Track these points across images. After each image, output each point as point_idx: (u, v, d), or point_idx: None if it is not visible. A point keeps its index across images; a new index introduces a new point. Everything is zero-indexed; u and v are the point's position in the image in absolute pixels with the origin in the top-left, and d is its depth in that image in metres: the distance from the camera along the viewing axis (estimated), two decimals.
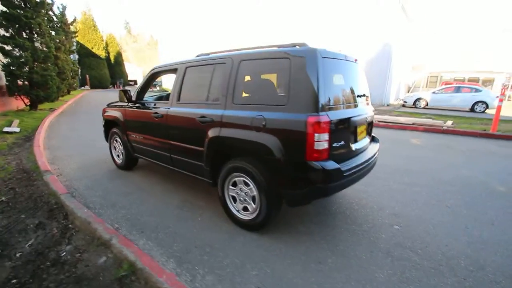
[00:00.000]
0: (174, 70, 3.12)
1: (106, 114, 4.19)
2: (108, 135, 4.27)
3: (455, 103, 13.42)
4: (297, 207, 2.85)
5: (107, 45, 28.57)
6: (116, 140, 4.10)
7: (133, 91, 3.68)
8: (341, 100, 2.22)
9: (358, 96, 2.52)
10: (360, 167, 2.26)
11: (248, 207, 2.40)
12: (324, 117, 1.92)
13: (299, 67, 1.99)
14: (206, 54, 2.92)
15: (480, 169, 4.32)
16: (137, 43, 78.71)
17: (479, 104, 12.72)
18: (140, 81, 3.71)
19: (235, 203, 2.52)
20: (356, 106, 2.44)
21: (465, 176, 4.01)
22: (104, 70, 26.54)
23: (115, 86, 30.26)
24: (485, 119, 9.61)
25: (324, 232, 2.46)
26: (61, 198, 2.84)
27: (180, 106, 2.86)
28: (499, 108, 6.97)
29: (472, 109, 12.89)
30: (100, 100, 13.76)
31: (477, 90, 13.03)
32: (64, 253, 2.07)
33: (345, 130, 2.19)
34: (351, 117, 2.24)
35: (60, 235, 2.32)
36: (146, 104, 3.43)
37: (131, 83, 40.57)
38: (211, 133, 2.47)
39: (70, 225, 2.47)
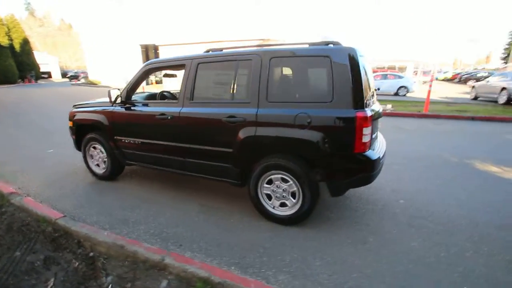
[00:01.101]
0: (178, 66, 2.87)
1: (77, 117, 3.57)
2: (80, 142, 3.66)
3: (383, 88, 15.56)
4: (338, 196, 2.95)
5: (9, 30, 23.28)
6: (95, 147, 3.56)
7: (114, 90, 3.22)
8: (370, 95, 2.43)
9: (373, 90, 2.78)
10: (384, 155, 2.55)
11: (287, 202, 2.47)
12: (369, 112, 2.10)
13: (342, 65, 2.10)
14: (218, 49, 2.76)
15: (431, 145, 5.25)
16: (44, 27, 66.17)
17: (402, 88, 15.06)
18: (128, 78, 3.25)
19: (270, 201, 2.55)
20: (375, 100, 2.70)
21: (425, 152, 4.82)
22: (9, 61, 21.75)
23: (26, 80, 25.17)
24: (414, 102, 11.45)
25: (351, 215, 2.71)
26: (61, 224, 2.38)
27: (196, 106, 2.67)
28: (429, 92, 8.45)
29: (396, 93, 15.17)
30: (15, 100, 11.35)
31: (399, 77, 15.38)
32: (110, 285, 1.80)
33: (375, 123, 2.42)
34: (378, 110, 2.49)
35: (86, 267, 1.98)
36: (142, 105, 3.06)
37: (44, 75, 34.26)
38: (244, 133, 2.41)
39: (92, 253, 2.12)
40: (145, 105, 3.08)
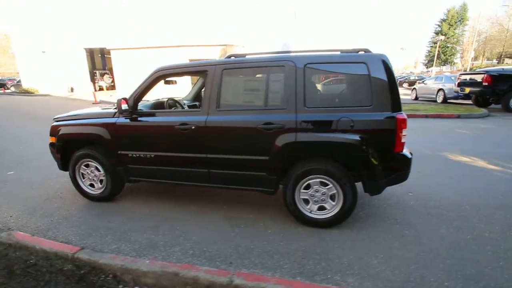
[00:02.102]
0: (196, 73, 2.69)
1: (63, 132, 3.07)
2: (66, 161, 3.15)
3: None
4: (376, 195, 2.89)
5: None
6: (87, 165, 3.10)
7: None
8: None
9: None
10: None
11: (326, 205, 2.50)
12: (404, 114, 2.26)
13: (378, 71, 2.23)
14: (241, 55, 2.67)
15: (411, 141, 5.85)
16: None
17: None
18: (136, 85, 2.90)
19: (307, 206, 2.55)
20: None
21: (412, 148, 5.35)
22: None
23: None
24: None
25: (376, 212, 2.87)
26: (84, 258, 2.01)
27: (224, 114, 2.54)
28: None
29: None
30: None
31: None
32: None
33: None
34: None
35: None
36: (153, 115, 2.78)
37: None
38: (283, 139, 2.37)
39: (138, 287, 1.84)
40: (156, 115, 2.81)
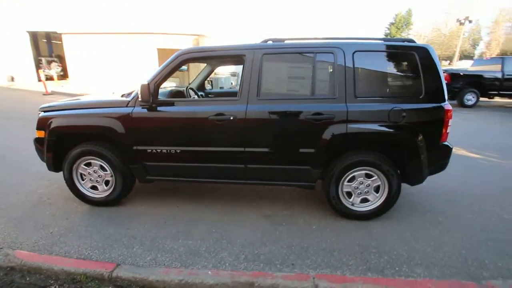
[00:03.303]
0: (229, 58, 2.42)
1: (58, 125, 2.53)
2: (59, 160, 2.62)
3: None
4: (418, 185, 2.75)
5: None
6: (89, 164, 2.61)
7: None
8: None
9: None
10: None
11: (369, 197, 2.46)
12: (449, 105, 2.31)
13: (427, 61, 2.23)
14: (279, 40, 2.46)
15: None
16: None
17: None
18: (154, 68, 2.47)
19: (350, 198, 2.49)
20: None
21: None
22: None
23: None
24: None
25: (404, 202, 2.93)
26: (126, 277, 1.65)
27: (267, 104, 2.32)
28: None
29: None
30: None
31: None
32: None
33: None
34: None
35: None
36: (179, 104, 2.43)
37: None
38: (333, 130, 2.25)
39: None
40: (181, 104, 2.46)
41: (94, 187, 2.70)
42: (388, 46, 2.33)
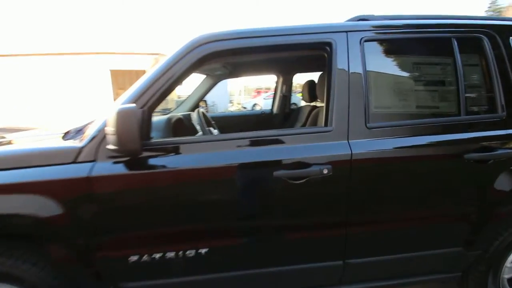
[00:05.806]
0: (307, 49, 1.25)
1: None
2: None
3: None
4: None
5: None
6: None
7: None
8: None
9: None
10: None
11: None
12: None
13: None
14: (364, 16, 1.37)
15: None
16: None
17: (293, 104, 16.90)
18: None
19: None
20: None
21: None
22: None
23: None
24: None
25: None
26: None
27: (385, 136, 1.16)
28: None
29: None
30: None
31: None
32: None
33: None
34: None
35: None
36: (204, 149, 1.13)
37: None
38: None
39: None
40: (206, 148, 1.17)
41: None
42: None
